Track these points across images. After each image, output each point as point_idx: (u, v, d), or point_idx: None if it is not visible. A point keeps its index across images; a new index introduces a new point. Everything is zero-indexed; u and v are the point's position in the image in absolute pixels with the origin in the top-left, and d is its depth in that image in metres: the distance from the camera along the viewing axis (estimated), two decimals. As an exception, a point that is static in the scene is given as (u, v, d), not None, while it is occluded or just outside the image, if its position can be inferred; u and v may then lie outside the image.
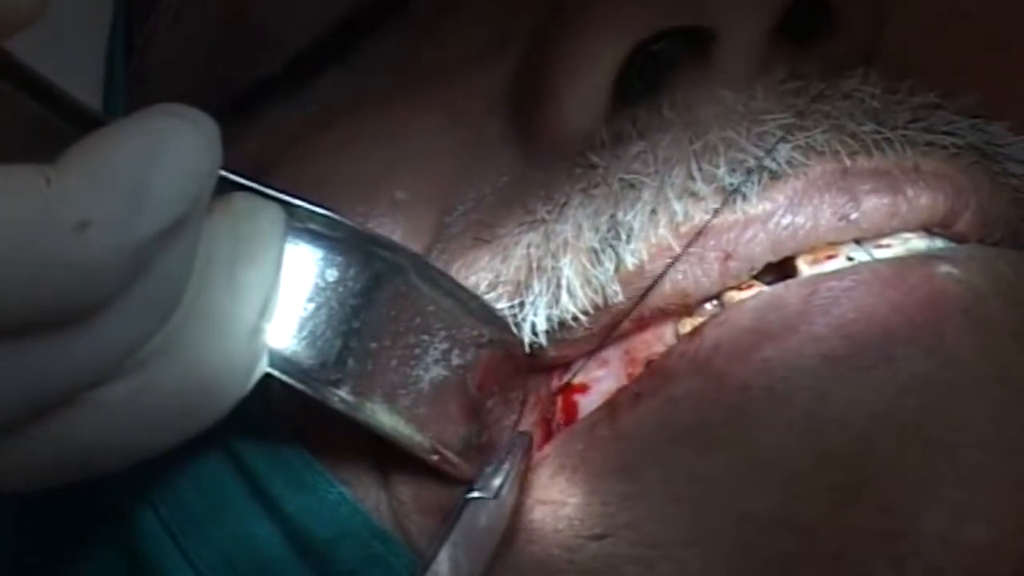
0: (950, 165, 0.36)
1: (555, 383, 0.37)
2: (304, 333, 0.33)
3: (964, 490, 0.31)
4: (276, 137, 0.39)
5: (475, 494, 0.35)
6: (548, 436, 0.37)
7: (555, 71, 0.36)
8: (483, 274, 0.36)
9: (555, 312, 0.35)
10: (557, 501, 0.34)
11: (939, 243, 0.36)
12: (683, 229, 0.35)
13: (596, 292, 0.35)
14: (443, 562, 0.33)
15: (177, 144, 0.27)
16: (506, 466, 0.35)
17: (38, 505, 0.33)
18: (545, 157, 0.37)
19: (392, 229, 0.37)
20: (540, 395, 0.37)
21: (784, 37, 0.37)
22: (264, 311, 0.31)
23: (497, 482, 0.35)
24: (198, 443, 0.33)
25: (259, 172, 0.37)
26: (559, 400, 0.37)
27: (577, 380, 0.37)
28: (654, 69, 0.36)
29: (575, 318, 0.35)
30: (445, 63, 0.39)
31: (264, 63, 0.40)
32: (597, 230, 0.35)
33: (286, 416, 0.36)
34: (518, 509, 0.35)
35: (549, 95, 0.36)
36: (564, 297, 0.35)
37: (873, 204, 0.35)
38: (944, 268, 0.34)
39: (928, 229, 0.36)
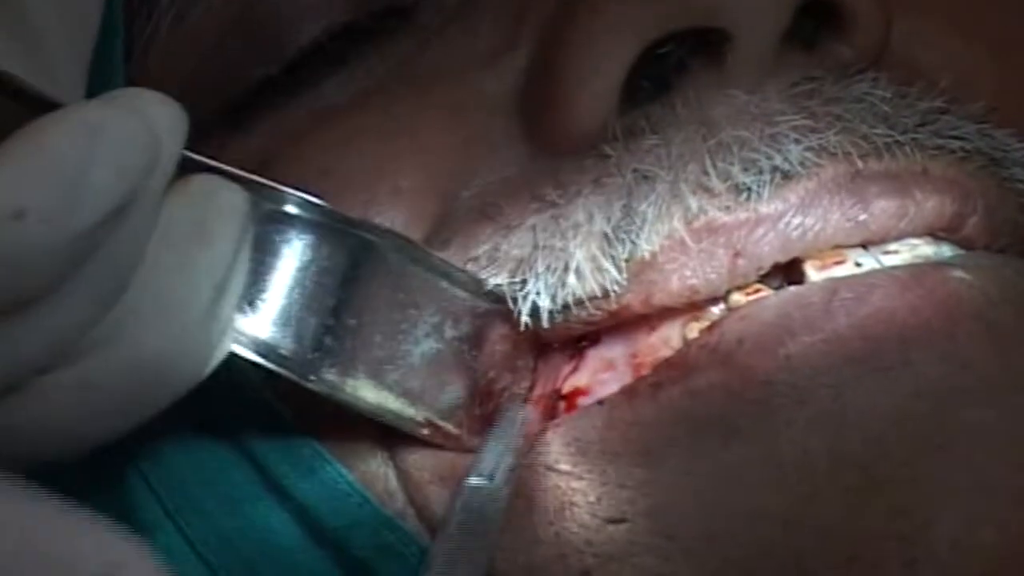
0: (958, 169, 0.37)
1: (558, 384, 0.37)
2: (277, 314, 0.32)
3: (976, 495, 0.31)
4: (279, 134, 0.39)
5: (474, 480, 0.34)
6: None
7: (565, 71, 0.36)
8: (483, 247, 0.36)
9: (560, 293, 0.35)
10: (570, 472, 0.34)
11: (946, 249, 0.36)
12: (696, 224, 0.35)
13: (605, 277, 0.35)
14: (452, 550, 0.33)
15: (116, 134, 0.27)
16: (504, 443, 0.35)
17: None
18: (553, 154, 0.37)
19: (394, 216, 0.37)
20: (544, 389, 0.37)
21: (795, 41, 0.37)
22: (220, 293, 0.30)
23: (494, 463, 0.34)
24: (203, 431, 0.32)
25: (262, 167, 0.37)
26: (562, 403, 0.36)
27: (582, 383, 0.36)
28: (663, 71, 0.36)
29: (580, 302, 0.35)
30: (451, 64, 0.39)
31: (266, 63, 0.39)
32: (610, 218, 0.35)
33: (291, 403, 0.36)
34: (525, 473, 0.35)
35: (558, 95, 0.36)
36: (571, 279, 0.35)
37: (882, 206, 0.35)
38: (957, 273, 0.34)
39: (935, 234, 0.36)
